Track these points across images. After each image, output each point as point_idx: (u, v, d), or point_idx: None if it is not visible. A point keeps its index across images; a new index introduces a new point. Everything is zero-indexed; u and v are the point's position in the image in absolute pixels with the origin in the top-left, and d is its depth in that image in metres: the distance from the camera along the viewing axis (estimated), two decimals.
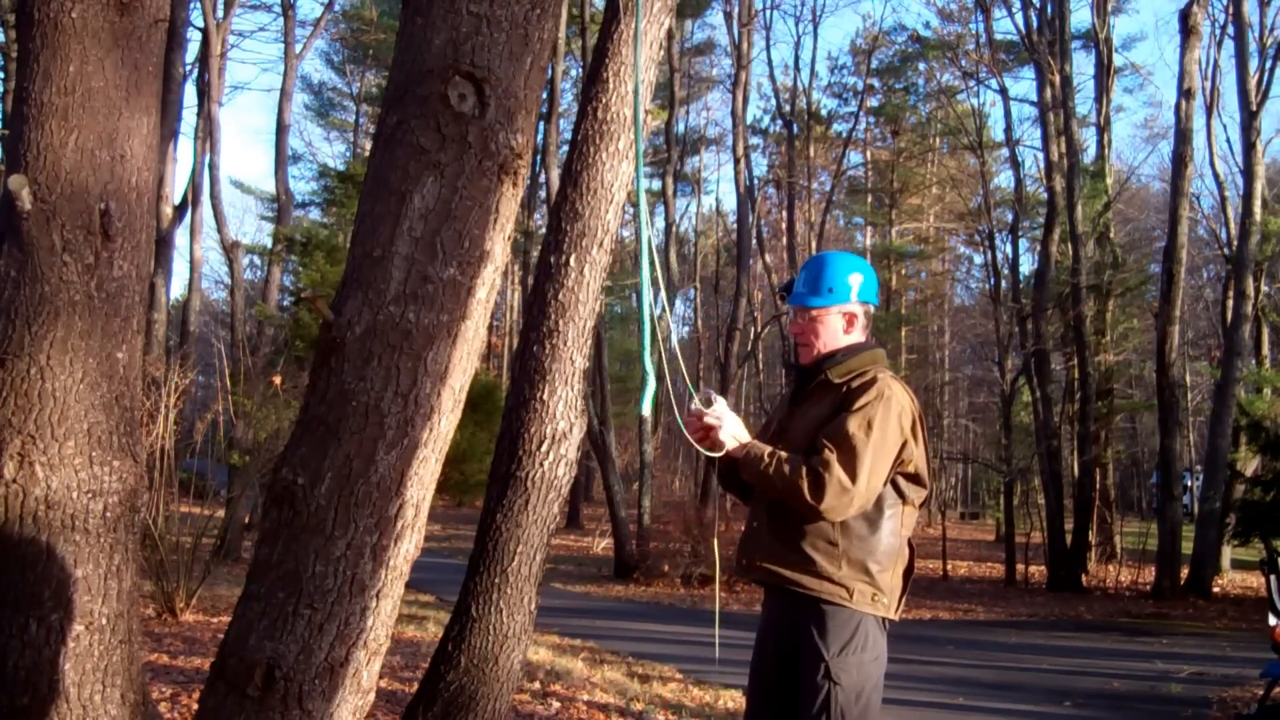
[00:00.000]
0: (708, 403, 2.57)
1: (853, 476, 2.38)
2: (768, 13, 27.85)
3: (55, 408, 2.45)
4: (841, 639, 2.41)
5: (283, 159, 24.40)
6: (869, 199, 30.64)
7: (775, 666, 2.53)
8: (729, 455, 2.55)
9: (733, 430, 2.55)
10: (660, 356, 2.48)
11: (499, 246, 2.48)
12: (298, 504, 2.32)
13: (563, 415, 4.07)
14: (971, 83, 23.31)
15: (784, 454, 2.47)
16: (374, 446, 2.33)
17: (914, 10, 73.86)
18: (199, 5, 19.45)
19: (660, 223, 26.76)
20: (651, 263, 2.47)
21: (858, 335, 2.69)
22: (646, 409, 2.53)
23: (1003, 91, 21.30)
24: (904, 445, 2.48)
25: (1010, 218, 21.71)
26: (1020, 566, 17.24)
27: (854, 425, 2.44)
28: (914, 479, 2.53)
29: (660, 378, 2.52)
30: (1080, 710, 6.55)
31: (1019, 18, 20.37)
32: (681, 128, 27.42)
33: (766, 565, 2.52)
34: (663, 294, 2.51)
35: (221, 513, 11.04)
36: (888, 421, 2.46)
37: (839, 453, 2.41)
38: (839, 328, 2.66)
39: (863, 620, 2.44)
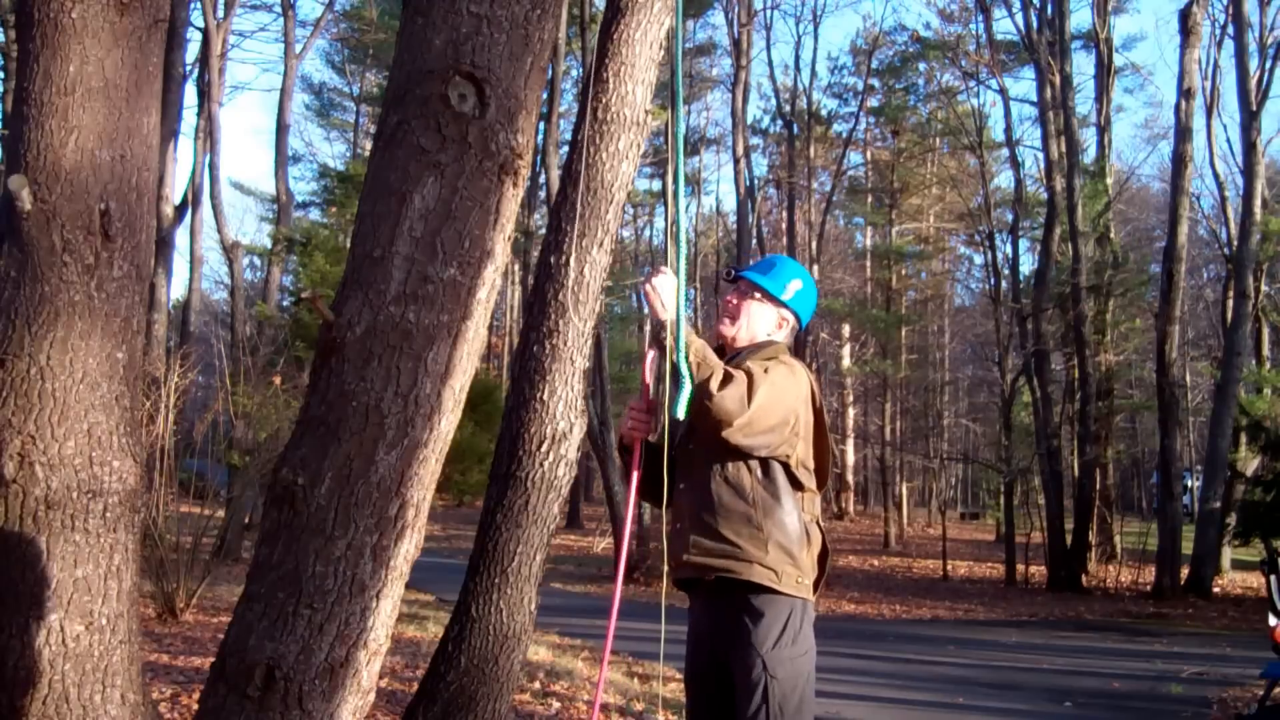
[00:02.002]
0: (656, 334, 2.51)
1: (749, 398, 2.40)
2: (768, 13, 27.84)
3: (55, 408, 2.45)
4: (773, 634, 2.42)
5: (283, 159, 24.43)
6: (869, 199, 30.58)
7: (710, 668, 2.53)
8: (663, 320, 2.46)
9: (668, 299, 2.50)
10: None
11: (499, 246, 2.48)
12: (298, 504, 2.32)
13: (563, 415, 4.07)
14: (971, 83, 23.31)
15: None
16: (374, 446, 2.33)
17: (914, 10, 73.89)
18: (199, 5, 19.46)
19: (660, 223, 26.77)
20: (685, 262, 2.48)
21: (781, 338, 2.72)
22: (681, 412, 2.48)
23: (1003, 91, 21.30)
24: (797, 419, 2.49)
25: (1010, 218, 21.70)
26: (1020, 566, 17.23)
27: (752, 365, 2.49)
28: (804, 468, 2.52)
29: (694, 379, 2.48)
30: (1080, 710, 6.55)
31: (1019, 18, 20.41)
32: (682, 127, 27.38)
33: (695, 560, 2.50)
34: (694, 294, 2.47)
35: (221, 513, 11.03)
36: (787, 379, 2.49)
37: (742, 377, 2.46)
38: (773, 323, 2.70)
39: (792, 612, 2.44)
